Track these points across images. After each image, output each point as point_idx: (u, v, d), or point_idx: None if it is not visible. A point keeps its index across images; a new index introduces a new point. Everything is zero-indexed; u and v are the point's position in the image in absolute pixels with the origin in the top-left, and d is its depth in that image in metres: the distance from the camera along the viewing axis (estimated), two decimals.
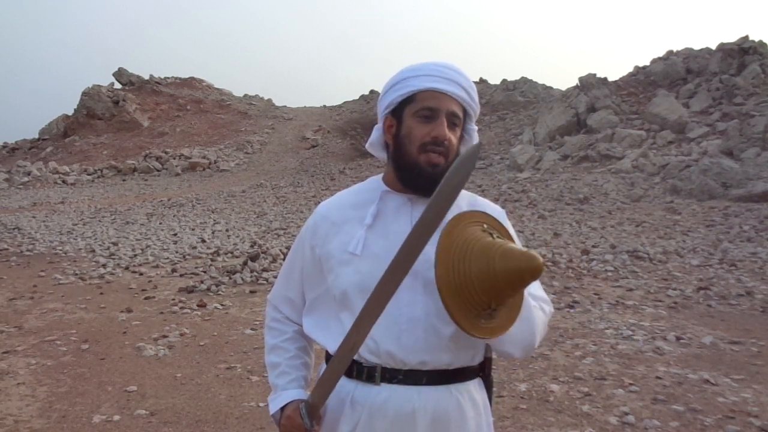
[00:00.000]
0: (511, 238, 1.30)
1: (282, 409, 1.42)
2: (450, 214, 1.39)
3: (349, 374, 1.34)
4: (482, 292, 1.15)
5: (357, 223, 1.38)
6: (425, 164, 1.31)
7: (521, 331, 1.29)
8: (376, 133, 1.42)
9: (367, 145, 1.47)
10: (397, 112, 1.36)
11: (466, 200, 1.44)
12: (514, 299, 1.22)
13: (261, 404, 3.70)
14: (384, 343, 1.30)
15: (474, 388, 1.37)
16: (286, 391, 1.44)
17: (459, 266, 1.16)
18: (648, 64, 20.22)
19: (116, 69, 33.44)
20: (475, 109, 1.40)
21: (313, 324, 1.44)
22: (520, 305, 1.26)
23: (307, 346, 1.52)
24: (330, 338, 1.38)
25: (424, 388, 1.31)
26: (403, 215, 1.37)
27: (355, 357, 1.32)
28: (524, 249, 1.14)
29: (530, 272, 1.10)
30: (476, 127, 1.44)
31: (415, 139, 1.32)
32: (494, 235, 1.23)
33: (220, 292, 6.75)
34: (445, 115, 1.32)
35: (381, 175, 1.45)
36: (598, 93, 18.18)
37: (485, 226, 1.25)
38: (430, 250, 1.33)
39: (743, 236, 9.04)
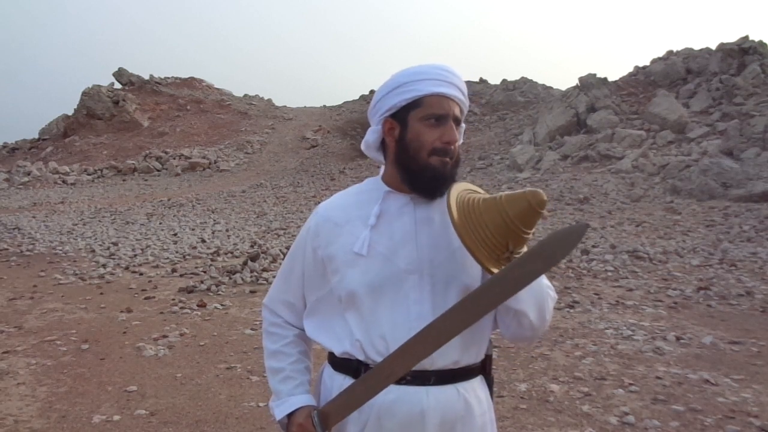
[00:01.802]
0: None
1: (289, 415, 1.41)
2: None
3: (356, 376, 1.33)
4: (501, 238, 1.22)
5: (360, 223, 1.37)
6: (438, 164, 1.33)
7: (534, 287, 1.29)
8: (373, 135, 1.41)
9: (362, 147, 1.47)
10: (400, 115, 1.35)
11: None
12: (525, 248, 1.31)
13: (261, 404, 3.70)
14: (394, 343, 1.29)
15: (478, 385, 1.38)
16: (293, 396, 1.42)
17: (476, 226, 1.23)
18: (648, 64, 20.22)
19: (116, 69, 33.40)
20: (468, 107, 1.43)
21: (315, 326, 1.43)
22: None
23: (307, 350, 1.51)
24: (335, 339, 1.38)
25: (432, 388, 1.31)
26: (406, 215, 1.37)
27: (362, 358, 1.33)
28: (521, 190, 1.23)
29: (538, 204, 1.20)
30: (464, 125, 1.46)
31: (426, 144, 1.32)
32: (484, 193, 1.32)
33: (220, 292, 6.75)
34: (452, 119, 1.34)
35: (379, 176, 1.44)
36: (598, 93, 18.18)
37: (469, 191, 1.33)
38: (435, 247, 1.35)
39: (743, 236, 9.05)
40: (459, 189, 1.30)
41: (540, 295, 1.34)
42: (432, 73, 1.34)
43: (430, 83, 1.33)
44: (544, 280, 1.37)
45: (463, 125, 1.43)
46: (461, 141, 1.44)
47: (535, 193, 1.19)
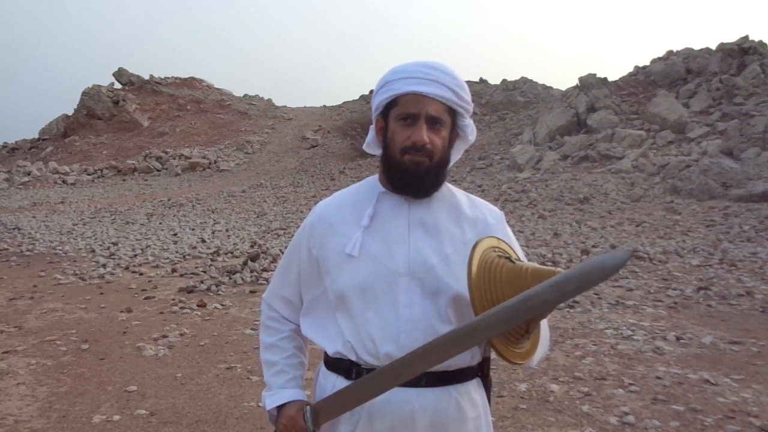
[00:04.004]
0: (517, 256, 1.29)
1: (279, 407, 1.43)
2: (451, 214, 1.39)
3: (348, 376, 1.34)
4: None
5: (354, 224, 1.38)
6: (409, 163, 1.32)
7: (542, 347, 1.31)
8: (371, 133, 1.43)
9: (364, 146, 1.48)
10: (385, 114, 1.37)
11: (465, 202, 1.44)
12: None
13: (261, 404, 3.70)
14: (383, 345, 1.30)
15: (473, 388, 1.38)
16: (284, 389, 1.44)
17: (492, 297, 1.16)
18: (648, 64, 20.20)
19: (116, 69, 33.40)
20: (465, 106, 1.38)
21: (310, 325, 1.44)
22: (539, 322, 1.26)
23: (303, 345, 1.53)
24: (328, 339, 1.38)
25: (423, 389, 1.31)
26: (400, 216, 1.37)
27: (354, 358, 1.33)
28: (551, 267, 1.15)
29: None
30: (471, 122, 1.41)
31: (398, 143, 1.33)
32: (512, 259, 1.22)
33: (220, 292, 6.75)
34: (425, 118, 1.31)
35: (377, 175, 1.45)
36: (598, 93, 18.18)
37: (497, 250, 1.25)
38: (427, 251, 1.34)
39: (743, 236, 9.05)
40: (485, 246, 1.23)
41: (544, 350, 1.33)
42: (410, 72, 1.34)
43: (406, 82, 1.33)
44: (546, 331, 1.35)
45: (468, 122, 1.40)
46: (472, 139, 1.42)
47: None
